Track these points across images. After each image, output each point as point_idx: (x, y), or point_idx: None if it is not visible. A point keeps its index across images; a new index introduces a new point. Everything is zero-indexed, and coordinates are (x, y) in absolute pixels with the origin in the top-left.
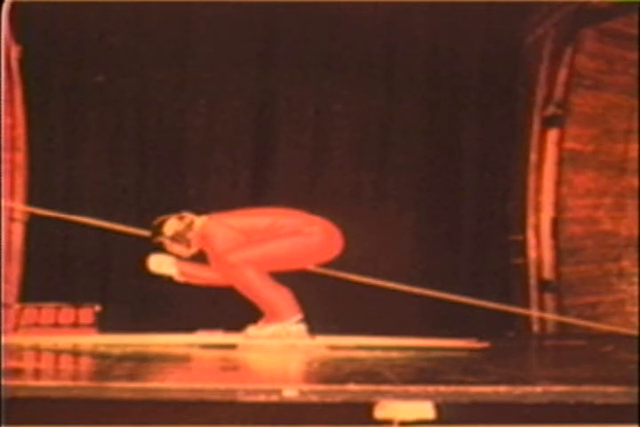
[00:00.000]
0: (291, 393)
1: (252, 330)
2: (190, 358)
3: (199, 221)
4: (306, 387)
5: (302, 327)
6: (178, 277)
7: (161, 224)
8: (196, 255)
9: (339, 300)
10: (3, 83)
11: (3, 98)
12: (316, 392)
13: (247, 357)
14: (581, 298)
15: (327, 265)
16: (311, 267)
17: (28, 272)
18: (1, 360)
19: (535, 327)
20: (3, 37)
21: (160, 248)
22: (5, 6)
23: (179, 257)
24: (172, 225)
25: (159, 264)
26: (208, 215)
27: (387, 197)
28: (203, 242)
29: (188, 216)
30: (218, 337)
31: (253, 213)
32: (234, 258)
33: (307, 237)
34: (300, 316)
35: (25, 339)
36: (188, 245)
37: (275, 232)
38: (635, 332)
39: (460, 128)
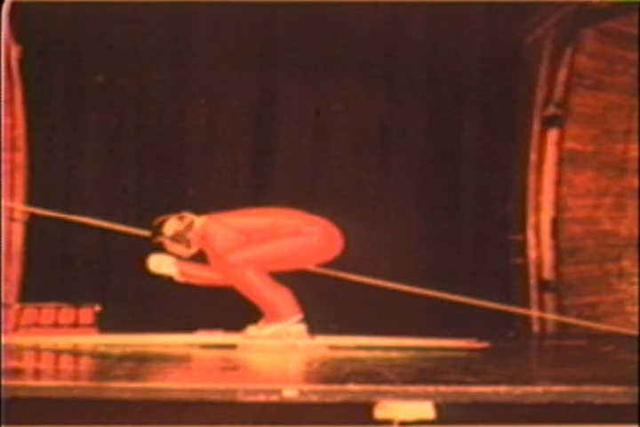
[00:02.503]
0: (291, 393)
1: (251, 330)
2: (190, 358)
3: (199, 221)
4: (306, 387)
5: (302, 327)
6: (178, 277)
7: (161, 224)
8: (196, 255)
9: (339, 300)
10: (3, 83)
11: (3, 98)
12: (315, 392)
13: (247, 357)
14: (581, 298)
15: (327, 265)
16: (311, 267)
17: (28, 272)
18: (1, 360)
19: (535, 327)
20: (3, 37)
21: (160, 248)
22: (5, 6)
23: (179, 257)
24: (172, 225)
25: (159, 264)
26: (208, 215)
27: (387, 197)
28: (203, 242)
29: (188, 216)
30: (218, 337)
31: (253, 213)
32: (234, 258)
33: (307, 238)
34: (299, 316)
35: (25, 339)
36: (188, 245)
37: (275, 232)
38: (635, 332)
39: (460, 128)
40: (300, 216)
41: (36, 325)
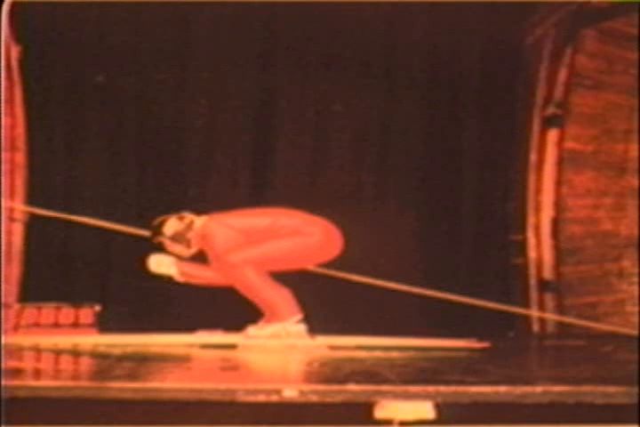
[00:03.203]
0: (291, 393)
1: (252, 330)
2: (190, 358)
3: (199, 221)
4: (306, 387)
5: (302, 327)
6: (178, 277)
7: (161, 224)
8: (196, 255)
9: (339, 300)
10: (3, 83)
11: (3, 98)
12: (315, 392)
13: (247, 357)
14: (581, 298)
15: (327, 265)
16: (311, 267)
17: (28, 272)
18: (1, 360)
19: (535, 327)
20: (3, 37)
21: (160, 248)
22: (5, 6)
23: (179, 257)
24: (172, 225)
25: (159, 264)
26: (208, 215)
27: (387, 197)
28: (203, 242)
29: (188, 216)
30: (218, 337)
31: (253, 213)
32: (234, 258)
33: (307, 238)
34: (299, 316)
35: (25, 339)
36: (188, 245)
37: (275, 232)
38: (635, 332)
39: (460, 128)
40: (300, 216)
41: (36, 325)
